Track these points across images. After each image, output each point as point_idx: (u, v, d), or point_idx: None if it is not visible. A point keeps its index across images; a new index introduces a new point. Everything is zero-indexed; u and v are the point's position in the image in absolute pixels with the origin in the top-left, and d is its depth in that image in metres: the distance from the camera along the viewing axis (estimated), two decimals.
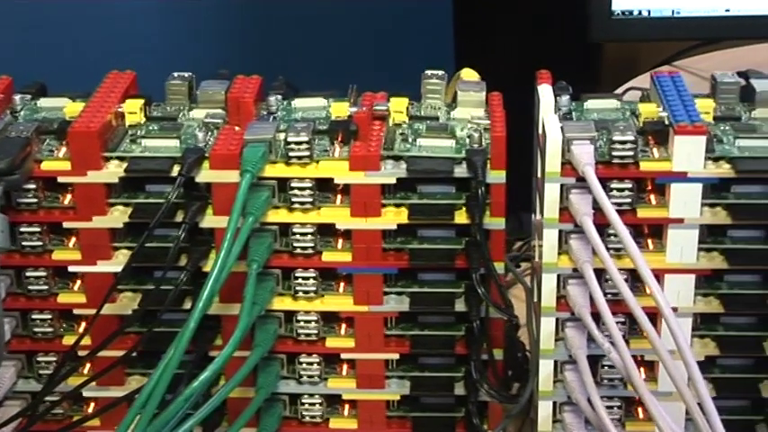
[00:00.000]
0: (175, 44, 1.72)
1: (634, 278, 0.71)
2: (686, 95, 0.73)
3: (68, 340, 0.74)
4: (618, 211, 0.70)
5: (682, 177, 0.70)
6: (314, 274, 0.73)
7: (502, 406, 0.75)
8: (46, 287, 0.73)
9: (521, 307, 0.78)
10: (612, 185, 0.70)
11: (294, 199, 0.71)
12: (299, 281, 0.73)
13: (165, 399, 0.66)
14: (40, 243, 0.72)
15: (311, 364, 0.75)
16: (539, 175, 0.73)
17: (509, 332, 0.76)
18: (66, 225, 0.72)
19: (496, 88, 0.77)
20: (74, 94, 0.77)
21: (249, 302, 0.68)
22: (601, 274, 0.69)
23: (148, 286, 0.73)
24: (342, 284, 0.74)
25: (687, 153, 0.69)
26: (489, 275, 0.70)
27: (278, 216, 0.72)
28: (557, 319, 0.73)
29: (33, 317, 0.74)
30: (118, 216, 0.72)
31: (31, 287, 0.73)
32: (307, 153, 0.70)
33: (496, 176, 0.70)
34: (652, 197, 0.71)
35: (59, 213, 0.72)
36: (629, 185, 0.70)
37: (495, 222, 0.71)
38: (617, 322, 0.71)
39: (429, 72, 0.77)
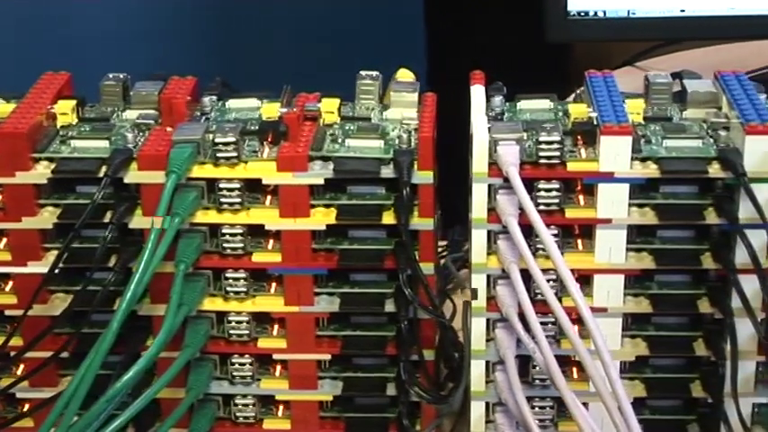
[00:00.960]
0: (137, 44, 1.72)
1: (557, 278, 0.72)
2: (616, 96, 0.73)
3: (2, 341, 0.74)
4: (546, 211, 0.71)
5: (608, 178, 0.70)
6: (244, 275, 0.73)
7: (435, 406, 0.75)
8: None
9: None
10: (540, 186, 0.70)
11: (223, 200, 0.71)
12: (230, 281, 0.73)
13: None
14: None
15: (243, 364, 0.75)
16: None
17: (447, 333, 0.76)
18: None
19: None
20: (8, 95, 0.77)
21: (175, 303, 0.68)
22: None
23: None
24: (273, 285, 0.74)
25: (613, 153, 0.69)
26: (416, 276, 0.70)
27: (207, 217, 0.72)
28: (487, 320, 0.73)
29: None
30: (47, 217, 0.72)
31: None
32: (234, 154, 0.70)
33: (424, 177, 0.70)
34: (581, 197, 0.71)
35: None
36: (557, 186, 0.70)
37: (424, 223, 0.71)
38: (549, 323, 0.72)
39: (363, 73, 0.77)
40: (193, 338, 0.72)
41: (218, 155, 0.70)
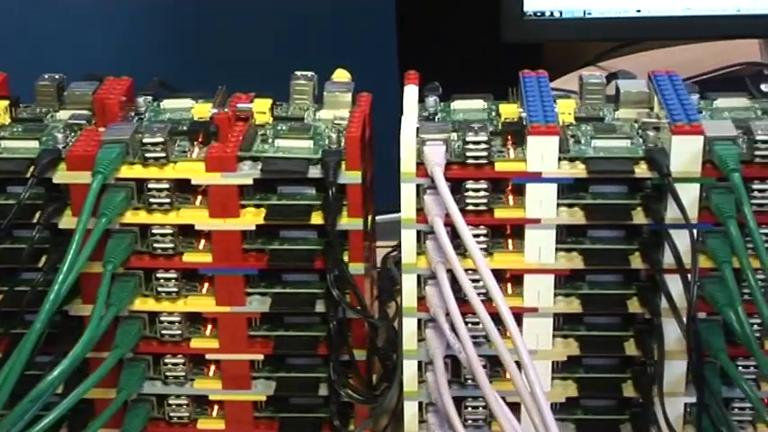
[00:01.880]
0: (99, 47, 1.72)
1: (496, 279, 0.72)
2: (547, 96, 0.73)
3: None
4: (475, 211, 0.71)
5: (536, 177, 0.70)
6: (175, 275, 0.73)
7: (368, 406, 0.75)
8: None
9: None
10: (468, 186, 0.70)
11: (152, 200, 0.71)
12: (161, 282, 0.73)
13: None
14: None
15: (176, 365, 0.75)
16: None
17: (389, 334, 0.76)
18: None
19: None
20: None
21: (101, 303, 0.68)
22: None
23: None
24: (205, 285, 0.74)
25: (541, 153, 0.69)
26: (342, 276, 0.70)
27: (138, 217, 0.72)
28: (419, 320, 0.73)
29: None
30: None
31: None
32: (162, 154, 0.70)
33: (352, 177, 0.70)
34: (510, 198, 0.71)
35: None
36: (485, 186, 0.70)
37: (353, 223, 0.71)
38: (479, 323, 0.71)
39: (298, 73, 0.77)
40: (124, 338, 0.72)
41: (147, 155, 0.70)
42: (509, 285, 0.73)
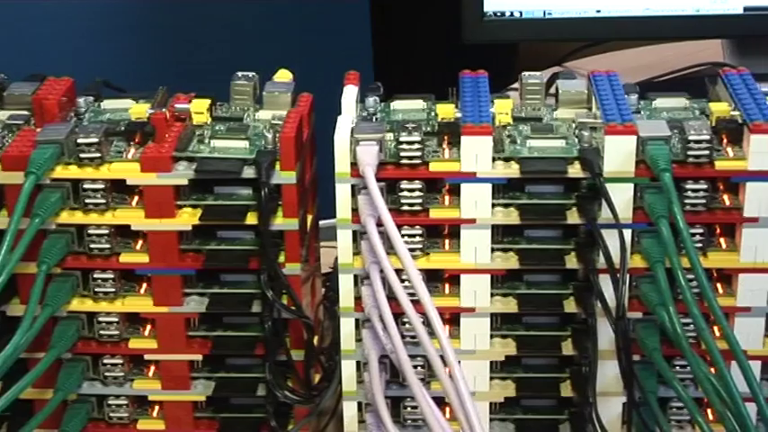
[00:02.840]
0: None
1: (429, 278, 0.72)
2: (485, 96, 0.73)
3: None
4: (410, 211, 0.71)
5: (470, 178, 0.70)
6: (112, 276, 0.73)
7: (307, 406, 0.75)
8: None
9: None
10: (403, 186, 0.70)
11: (88, 200, 0.71)
12: (98, 282, 0.73)
13: None
14: None
15: (115, 365, 0.75)
16: None
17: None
18: None
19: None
20: None
21: (33, 304, 0.68)
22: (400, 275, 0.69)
23: None
24: (144, 286, 0.74)
25: (474, 153, 0.69)
26: (276, 277, 0.70)
27: (74, 218, 0.72)
28: (356, 320, 0.73)
29: None
30: None
31: None
32: (97, 155, 0.70)
33: (286, 177, 0.70)
34: (447, 198, 0.71)
35: None
36: (419, 186, 0.70)
37: (289, 223, 0.71)
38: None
39: (239, 73, 0.77)
40: (60, 339, 0.72)
41: (82, 155, 0.70)
42: (446, 285, 0.73)
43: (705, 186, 0.69)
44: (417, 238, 0.71)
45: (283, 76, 0.78)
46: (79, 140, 0.70)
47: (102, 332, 0.74)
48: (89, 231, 0.72)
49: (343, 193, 0.70)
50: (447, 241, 0.72)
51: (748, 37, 1.18)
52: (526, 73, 0.77)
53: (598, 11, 1.14)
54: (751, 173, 0.69)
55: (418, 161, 0.70)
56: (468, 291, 0.72)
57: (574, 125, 0.73)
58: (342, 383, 0.74)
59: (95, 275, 0.73)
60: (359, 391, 0.74)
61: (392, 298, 0.68)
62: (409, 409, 0.74)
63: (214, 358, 0.75)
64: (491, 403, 0.74)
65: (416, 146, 0.69)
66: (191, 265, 0.73)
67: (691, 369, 0.67)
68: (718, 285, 0.72)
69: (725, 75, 0.75)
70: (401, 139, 0.69)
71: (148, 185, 0.71)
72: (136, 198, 0.72)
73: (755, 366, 0.72)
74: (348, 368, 0.74)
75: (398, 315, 0.69)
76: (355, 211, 0.70)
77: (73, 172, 0.71)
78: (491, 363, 0.74)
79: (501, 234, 0.72)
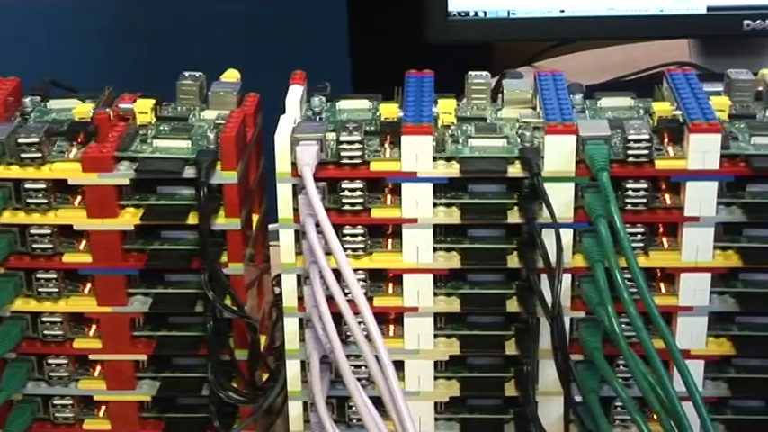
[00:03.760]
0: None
1: (373, 277, 0.72)
2: (428, 96, 0.73)
3: None
4: (352, 211, 0.71)
5: (411, 177, 0.70)
6: (55, 276, 0.73)
7: (250, 406, 0.75)
8: None
9: None
10: (344, 185, 0.70)
11: (30, 200, 0.71)
12: (42, 282, 0.73)
13: None
14: None
15: (60, 365, 0.75)
16: None
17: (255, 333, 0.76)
18: None
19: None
20: None
21: None
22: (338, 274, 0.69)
23: None
24: (88, 285, 0.74)
25: (415, 153, 0.69)
26: (216, 277, 0.70)
27: (16, 218, 0.72)
28: (300, 319, 0.73)
29: None
30: None
31: None
32: (38, 154, 0.70)
33: (227, 177, 0.70)
34: (389, 197, 0.71)
35: None
36: (360, 186, 0.70)
37: (230, 223, 0.71)
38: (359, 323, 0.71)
39: (186, 73, 0.77)
40: (4, 339, 0.72)
41: (23, 155, 0.70)
42: (390, 285, 0.73)
43: (646, 186, 0.69)
44: (359, 238, 0.71)
45: (231, 75, 0.78)
46: (20, 140, 0.70)
47: (46, 332, 0.74)
48: (31, 231, 0.72)
49: (284, 192, 0.70)
50: (390, 241, 0.72)
51: (712, 37, 1.18)
52: (472, 73, 0.77)
53: (562, 11, 1.14)
54: (691, 172, 0.69)
55: (359, 161, 0.70)
56: (411, 290, 0.72)
57: (517, 125, 0.73)
58: (287, 383, 0.74)
59: (39, 275, 0.73)
60: (303, 391, 0.74)
61: (332, 298, 0.68)
62: (354, 408, 0.74)
63: (159, 358, 0.75)
64: (436, 403, 0.74)
65: (357, 145, 0.69)
66: (134, 264, 0.72)
67: (629, 368, 0.67)
68: (662, 285, 0.72)
69: (669, 74, 0.75)
70: (341, 138, 0.69)
71: (90, 185, 0.71)
72: (78, 198, 0.72)
73: (699, 366, 0.72)
74: (292, 368, 0.74)
75: (339, 315, 0.69)
76: (297, 210, 0.70)
77: (14, 172, 0.71)
78: (435, 362, 0.74)
79: (444, 234, 0.72)
